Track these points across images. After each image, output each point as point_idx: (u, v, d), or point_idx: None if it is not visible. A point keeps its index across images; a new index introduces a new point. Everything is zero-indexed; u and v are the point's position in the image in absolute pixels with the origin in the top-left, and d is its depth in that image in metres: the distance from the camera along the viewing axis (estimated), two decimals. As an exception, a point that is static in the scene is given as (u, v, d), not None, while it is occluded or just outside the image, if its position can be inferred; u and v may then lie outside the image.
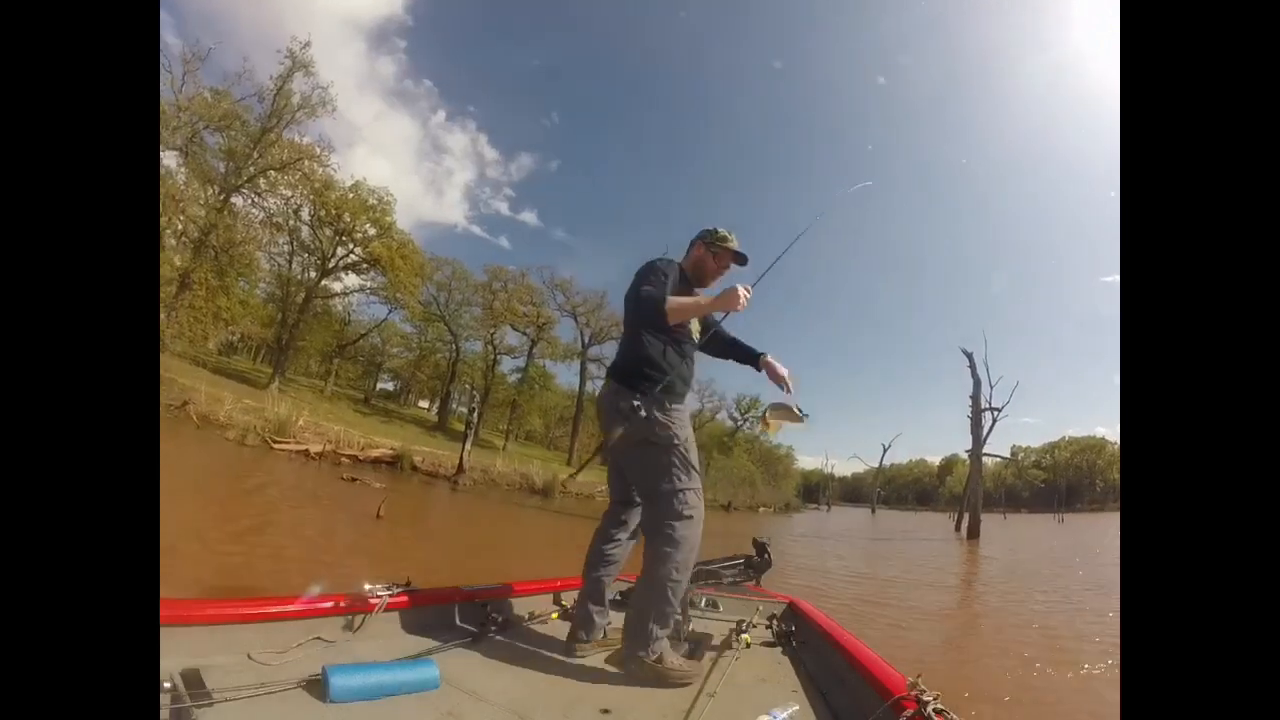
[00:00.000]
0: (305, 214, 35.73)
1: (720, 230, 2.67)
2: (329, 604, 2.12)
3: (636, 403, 2.26)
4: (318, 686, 1.65)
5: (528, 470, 25.97)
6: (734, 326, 2.82)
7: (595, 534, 2.62)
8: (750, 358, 2.82)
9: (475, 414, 29.18)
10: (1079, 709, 4.63)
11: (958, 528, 32.02)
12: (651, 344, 2.42)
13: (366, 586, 2.26)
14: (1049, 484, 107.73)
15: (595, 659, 2.28)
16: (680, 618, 2.72)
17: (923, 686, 1.69)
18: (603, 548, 2.56)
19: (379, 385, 59.48)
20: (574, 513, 18.13)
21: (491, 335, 47.07)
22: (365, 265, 38.07)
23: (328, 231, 36.62)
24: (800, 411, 2.74)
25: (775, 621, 2.97)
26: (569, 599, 2.93)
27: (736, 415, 58.98)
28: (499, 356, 48.33)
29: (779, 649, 2.70)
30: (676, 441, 2.34)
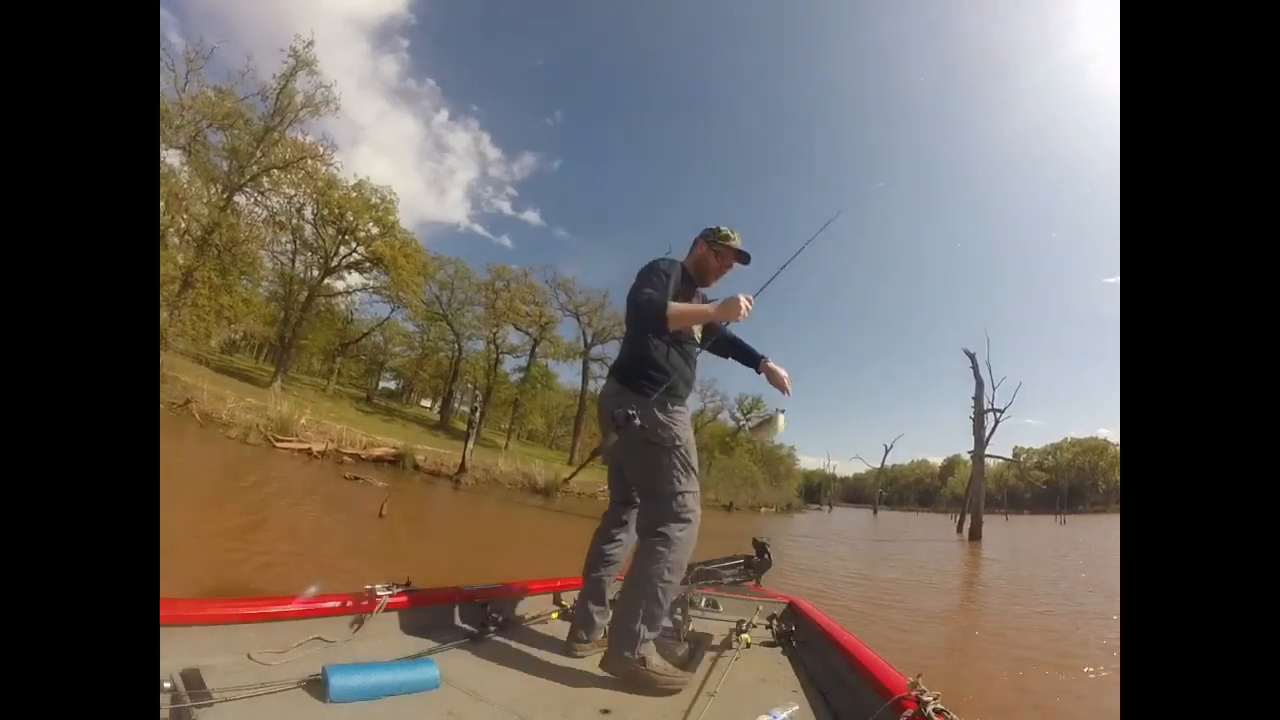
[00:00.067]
0: (308, 213, 35.75)
1: (723, 229, 2.65)
2: (329, 604, 2.12)
3: (631, 412, 2.25)
4: (318, 686, 1.65)
5: (530, 470, 25.96)
6: (735, 326, 2.81)
7: (595, 534, 2.62)
8: (751, 360, 2.82)
9: (477, 413, 29.15)
10: (1081, 711, 4.63)
11: (959, 529, 31.98)
12: (654, 345, 2.41)
13: (366, 586, 2.26)
14: (1051, 485, 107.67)
15: (595, 659, 2.28)
16: (680, 618, 2.73)
17: (923, 686, 1.69)
18: (603, 547, 2.56)
19: (381, 384, 59.69)
20: (576, 512, 18.14)
21: (494, 334, 47.06)
22: (368, 264, 38.07)
23: (330, 230, 36.62)
24: (778, 413, 2.78)
25: (775, 621, 2.97)
26: (569, 599, 2.93)
27: (738, 415, 58.96)
28: (501, 356, 48.32)
29: (779, 649, 2.70)
30: (678, 443, 2.33)
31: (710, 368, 2.92)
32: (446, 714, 1.70)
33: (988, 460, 31.94)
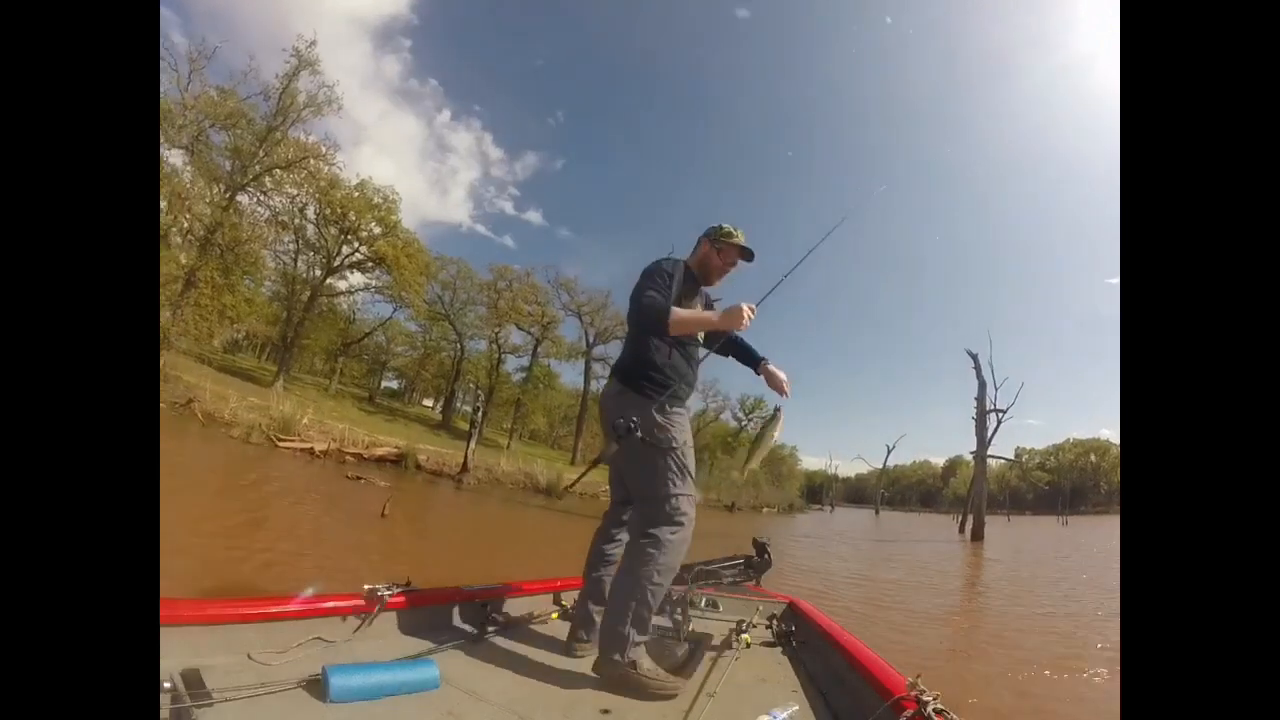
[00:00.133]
0: (311, 213, 35.81)
1: (726, 226, 2.64)
2: (329, 604, 2.12)
3: (633, 423, 2.24)
4: (318, 686, 1.65)
5: (532, 470, 25.96)
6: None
7: (596, 534, 2.62)
8: (752, 361, 2.81)
9: (480, 413, 29.19)
10: (1083, 714, 4.62)
11: (961, 530, 31.92)
12: (656, 346, 2.40)
13: (366, 587, 2.26)
14: (1053, 486, 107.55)
15: (595, 659, 2.29)
16: (680, 618, 2.73)
17: (923, 686, 1.69)
18: (603, 547, 2.56)
19: (383, 384, 59.71)
20: (578, 512, 18.13)
21: (496, 334, 47.08)
22: (370, 264, 38.13)
23: (333, 230, 36.67)
24: (777, 410, 2.80)
25: (775, 621, 2.97)
26: (569, 599, 2.93)
27: (740, 416, 58.93)
28: (503, 355, 48.33)
29: (779, 649, 2.70)
30: (675, 445, 2.33)
31: (712, 368, 2.94)
32: (446, 714, 1.70)
33: (990, 461, 31.92)
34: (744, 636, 2.70)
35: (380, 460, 20.78)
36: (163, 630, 1.56)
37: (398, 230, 37.81)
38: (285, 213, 33.50)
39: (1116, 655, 6.02)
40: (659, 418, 2.32)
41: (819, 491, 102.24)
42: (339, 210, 35.29)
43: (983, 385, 30.34)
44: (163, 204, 24.82)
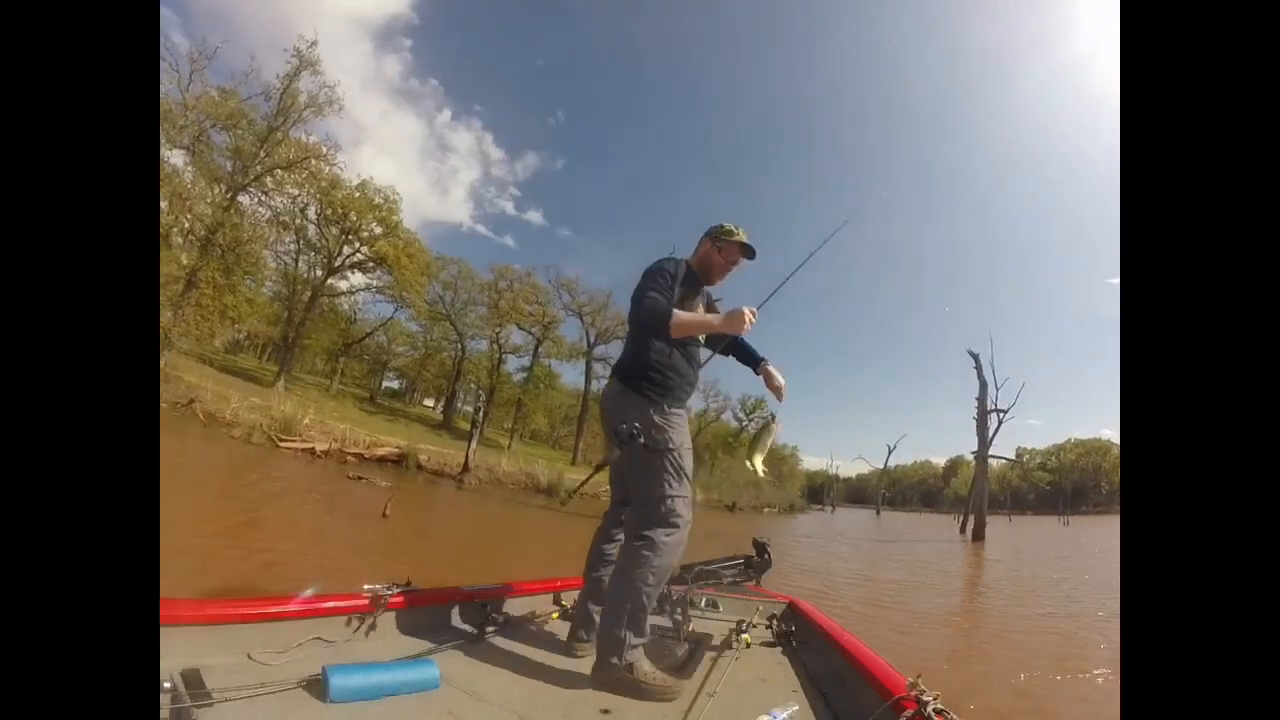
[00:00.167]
0: (312, 213, 35.89)
1: (727, 225, 2.63)
2: (329, 604, 2.12)
3: (636, 428, 2.24)
4: (318, 686, 1.65)
5: (533, 470, 25.98)
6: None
7: (596, 533, 2.62)
8: (751, 360, 2.81)
9: (481, 413, 29.20)
10: (1084, 715, 4.61)
11: (962, 530, 31.92)
12: (657, 346, 2.40)
13: (366, 587, 2.26)
14: (1054, 486, 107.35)
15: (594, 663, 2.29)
16: (680, 618, 2.73)
17: (923, 686, 1.69)
18: (603, 547, 2.56)
19: (384, 384, 59.74)
20: (579, 512, 18.12)
21: (497, 334, 47.12)
22: (371, 264, 38.21)
23: (334, 230, 36.75)
24: (772, 418, 2.80)
25: (775, 621, 2.97)
26: (569, 599, 2.93)
27: (741, 416, 58.90)
28: (504, 356, 48.37)
29: (779, 649, 2.71)
30: (671, 446, 2.32)
31: (713, 368, 2.91)
32: (446, 714, 1.71)
33: (991, 461, 31.89)
34: (744, 636, 2.70)
35: (381, 460, 20.80)
36: (163, 630, 1.56)
37: (399, 230, 37.86)
38: (286, 213, 33.52)
39: (1118, 655, 6.02)
40: (657, 419, 2.32)
41: (820, 492, 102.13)
42: (340, 210, 35.35)
43: (984, 385, 30.31)
44: (164, 204, 24.83)
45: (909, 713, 1.63)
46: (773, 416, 2.83)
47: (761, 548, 3.32)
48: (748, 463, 2.82)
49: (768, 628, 2.94)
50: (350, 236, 36.92)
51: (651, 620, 2.34)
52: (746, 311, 2.32)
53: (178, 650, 1.65)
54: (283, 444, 18.47)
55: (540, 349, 49.15)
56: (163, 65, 25.58)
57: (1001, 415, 30.29)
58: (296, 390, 33.05)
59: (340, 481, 14.74)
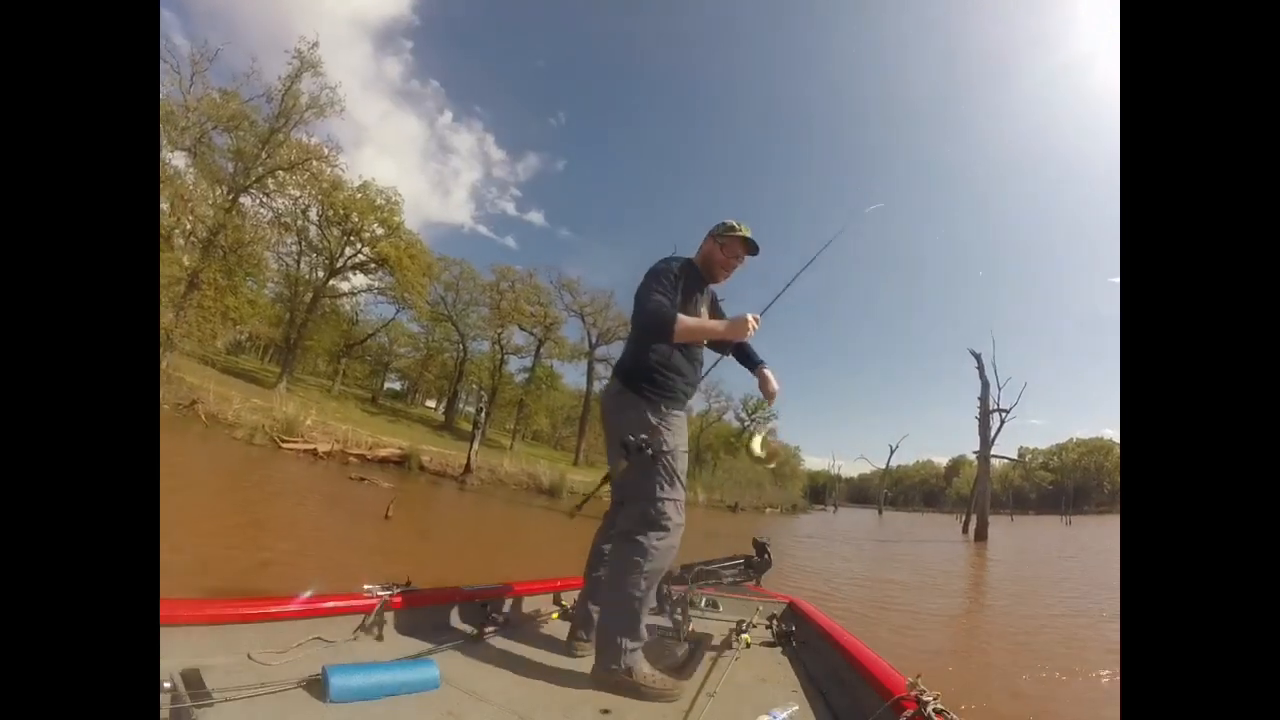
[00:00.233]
0: (313, 214, 35.93)
1: (730, 222, 2.61)
2: (329, 604, 2.13)
3: (643, 440, 2.23)
4: (318, 686, 1.65)
5: (535, 470, 25.98)
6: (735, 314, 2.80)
7: (597, 533, 2.62)
8: (750, 363, 2.81)
9: (483, 414, 29.13)
10: (1087, 716, 4.60)
11: (965, 529, 31.95)
12: (658, 346, 2.39)
13: (366, 587, 2.26)
14: (1056, 486, 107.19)
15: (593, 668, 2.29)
16: (680, 618, 2.73)
17: (923, 686, 1.69)
18: (604, 547, 2.56)
19: (386, 385, 59.74)
20: (582, 513, 18.12)
21: (499, 335, 47.17)
22: (373, 265, 38.25)
23: (336, 231, 36.79)
24: (771, 418, 2.81)
25: (775, 621, 2.97)
26: (569, 599, 2.94)
27: (743, 416, 58.89)
28: (506, 356, 48.43)
29: (779, 649, 2.70)
30: (666, 449, 2.30)
31: (716, 368, 2.92)
32: (446, 714, 1.71)
33: (993, 460, 31.87)
34: (744, 636, 2.70)
35: (383, 461, 20.80)
36: (163, 630, 1.57)
37: (400, 231, 37.91)
38: (288, 214, 33.59)
39: (1119, 655, 6.00)
40: (654, 420, 2.32)
41: (822, 492, 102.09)
42: (341, 211, 35.39)
43: (986, 385, 30.31)
44: (166, 206, 24.86)
45: (909, 713, 1.63)
46: (773, 417, 2.84)
47: (761, 548, 3.31)
48: (749, 448, 2.83)
49: (768, 628, 2.94)
50: (352, 238, 36.96)
51: (651, 620, 2.34)
52: (750, 318, 2.32)
53: (178, 650, 1.65)
54: (285, 445, 18.49)
55: (542, 350, 49.20)
56: (164, 67, 25.63)
57: (1004, 415, 30.32)
58: (298, 391, 33.07)
59: (342, 483, 14.74)
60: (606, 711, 1.87)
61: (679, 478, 2.32)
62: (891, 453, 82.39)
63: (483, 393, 45.06)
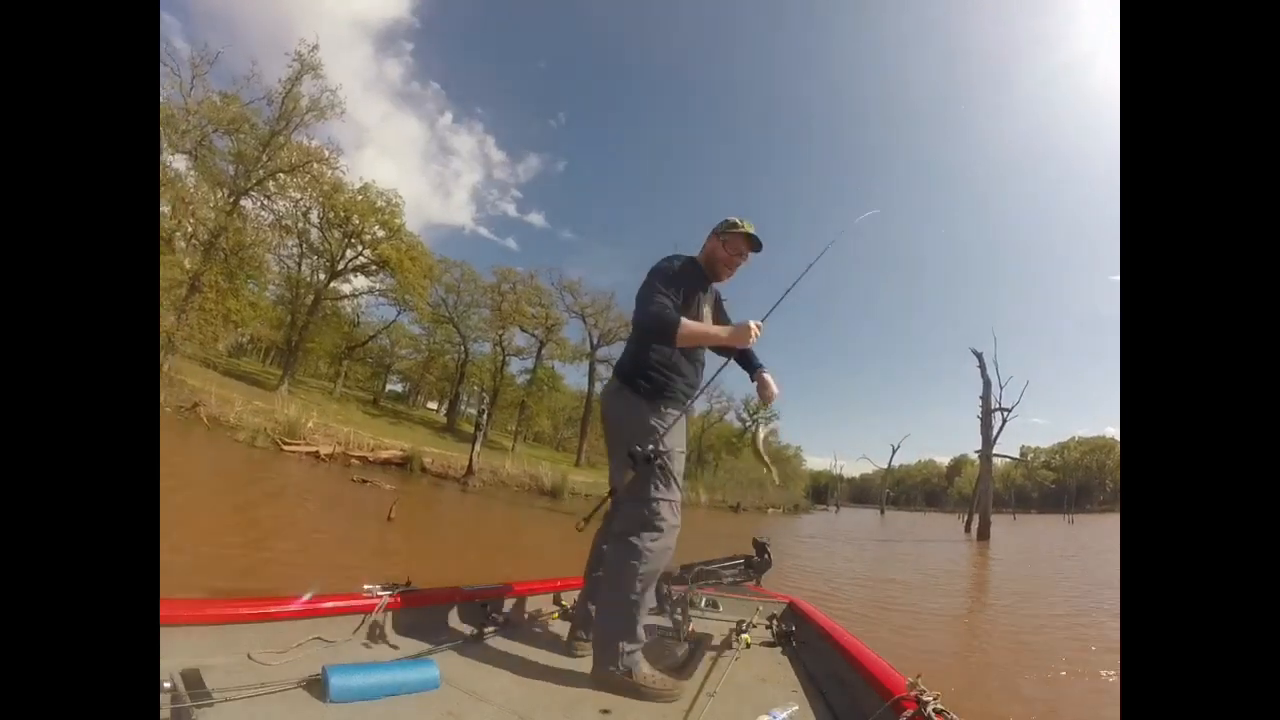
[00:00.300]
0: (314, 216, 35.97)
1: (732, 218, 2.59)
2: (329, 604, 2.13)
3: (652, 450, 2.22)
4: (318, 686, 1.66)
5: (537, 471, 25.99)
6: (737, 317, 2.79)
7: (597, 534, 2.62)
8: (749, 366, 2.78)
9: (484, 415, 29.16)
10: (1090, 714, 4.60)
11: (967, 529, 31.90)
12: (659, 346, 2.39)
13: (366, 587, 2.27)
14: (1059, 484, 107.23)
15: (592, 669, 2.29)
16: (680, 618, 2.73)
17: (923, 686, 1.69)
18: (604, 547, 2.55)
19: (388, 387, 59.73)
20: (583, 514, 18.12)
21: (500, 337, 47.22)
22: (374, 267, 38.27)
23: (337, 234, 36.84)
24: (773, 418, 2.82)
25: (775, 621, 2.97)
26: (569, 599, 2.94)
27: (745, 416, 58.84)
28: (507, 358, 48.48)
29: (779, 649, 2.70)
30: (662, 449, 2.29)
31: (712, 370, 2.90)
32: (446, 714, 1.71)
33: (995, 459, 31.84)
34: (744, 636, 2.70)
35: (385, 463, 20.83)
36: (163, 630, 1.57)
37: (401, 233, 37.95)
38: (289, 217, 33.63)
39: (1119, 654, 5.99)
40: (650, 418, 2.32)
41: (824, 492, 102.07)
42: (342, 214, 35.44)
43: (988, 384, 30.27)
44: (167, 209, 24.90)
45: (909, 713, 1.62)
46: (775, 417, 2.85)
47: (761, 547, 3.31)
48: (755, 445, 2.84)
49: (768, 628, 2.94)
50: (353, 240, 37.02)
51: (651, 620, 2.34)
52: (753, 325, 2.31)
53: (178, 650, 1.66)
54: (287, 447, 18.51)
55: (543, 351, 49.31)
56: (164, 70, 25.65)
57: (1005, 414, 30.27)
58: (300, 394, 33.10)
59: (345, 484, 14.77)
60: (606, 711, 1.88)
61: (675, 478, 2.31)
62: (893, 452, 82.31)
63: (484, 394, 45.17)
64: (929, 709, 1.60)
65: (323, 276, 38.35)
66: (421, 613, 2.41)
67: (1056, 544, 25.85)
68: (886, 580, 12.09)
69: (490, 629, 2.48)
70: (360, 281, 39.86)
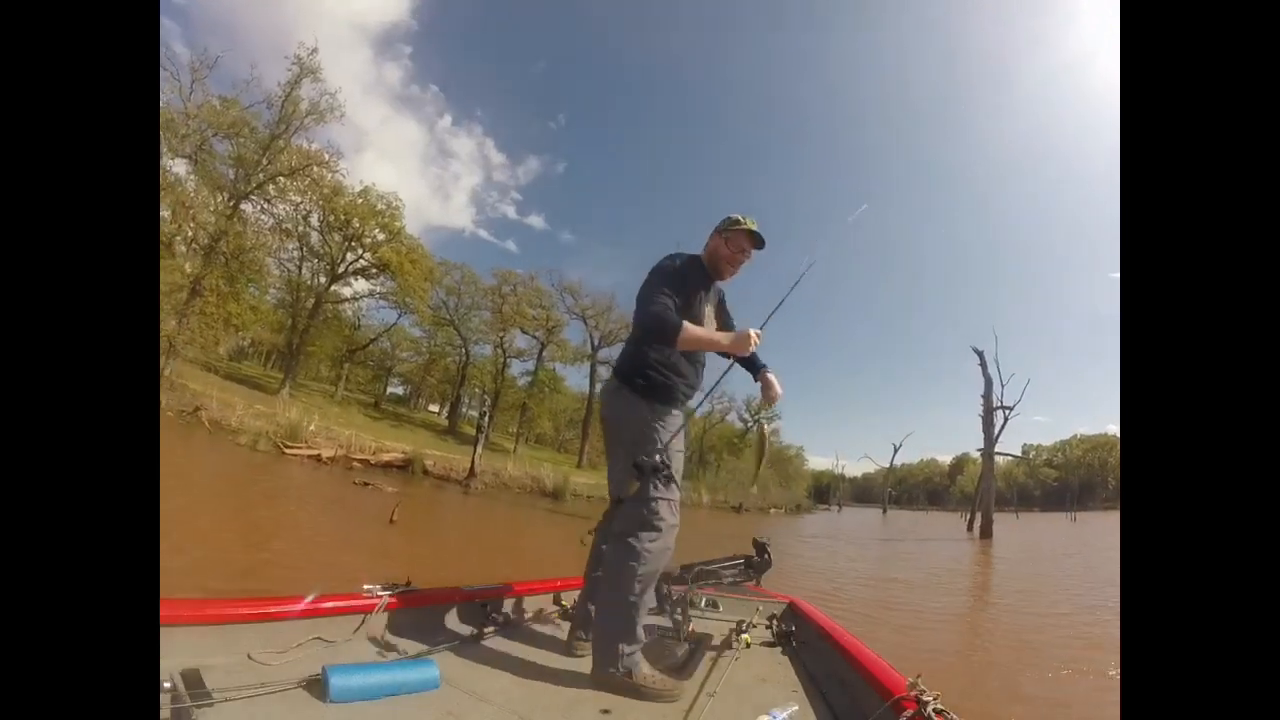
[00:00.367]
0: (314, 220, 36.02)
1: (735, 215, 2.57)
2: (329, 604, 2.13)
3: (659, 460, 2.22)
4: (318, 686, 1.66)
5: (538, 473, 26.01)
6: (739, 317, 2.80)
7: (597, 533, 2.62)
8: (752, 367, 2.75)
9: (486, 417, 29.18)
10: (1094, 715, 4.60)
11: (970, 527, 31.87)
12: (659, 346, 2.39)
13: (366, 587, 2.27)
14: (1061, 482, 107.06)
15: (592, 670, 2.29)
16: (680, 618, 2.73)
17: (923, 686, 1.69)
18: (604, 547, 2.56)
19: (389, 390, 59.73)
20: (586, 515, 18.14)
21: (501, 339, 47.27)
22: (374, 270, 38.31)
23: (337, 237, 36.89)
24: (775, 418, 2.83)
25: (775, 621, 2.97)
26: (569, 599, 2.94)
27: (746, 417, 58.83)
28: (508, 360, 48.53)
29: (779, 649, 2.70)
30: (659, 447, 2.29)
31: (715, 370, 2.89)
32: (446, 714, 1.71)
33: (997, 457, 31.82)
34: (744, 636, 2.70)
35: (387, 466, 20.83)
36: (163, 630, 1.57)
37: (401, 236, 38.00)
38: (289, 220, 33.64)
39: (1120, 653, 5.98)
40: (649, 418, 2.32)
41: (826, 491, 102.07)
42: (342, 217, 35.49)
43: (989, 382, 30.27)
44: (167, 213, 24.93)
45: (909, 713, 1.62)
46: (760, 425, 2.87)
47: (761, 547, 3.31)
48: (755, 472, 2.86)
49: (768, 628, 2.94)
50: (353, 243, 37.07)
51: (651, 620, 2.33)
52: (752, 333, 2.29)
53: (178, 650, 1.66)
54: (288, 451, 18.53)
55: (544, 353, 49.32)
56: (164, 75, 25.69)
57: (1007, 411, 30.25)
58: (301, 397, 33.16)
59: (347, 487, 14.77)
60: (606, 711, 1.88)
61: (672, 478, 2.31)
62: (895, 451, 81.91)
63: (485, 396, 45.23)
64: (929, 709, 1.59)
65: (323, 280, 38.40)
66: (421, 613, 2.41)
67: (1059, 542, 25.82)
68: (889, 579, 12.09)
69: (490, 629, 2.48)
70: (361, 284, 40.02)
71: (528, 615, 2.82)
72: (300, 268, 38.94)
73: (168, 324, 22.99)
